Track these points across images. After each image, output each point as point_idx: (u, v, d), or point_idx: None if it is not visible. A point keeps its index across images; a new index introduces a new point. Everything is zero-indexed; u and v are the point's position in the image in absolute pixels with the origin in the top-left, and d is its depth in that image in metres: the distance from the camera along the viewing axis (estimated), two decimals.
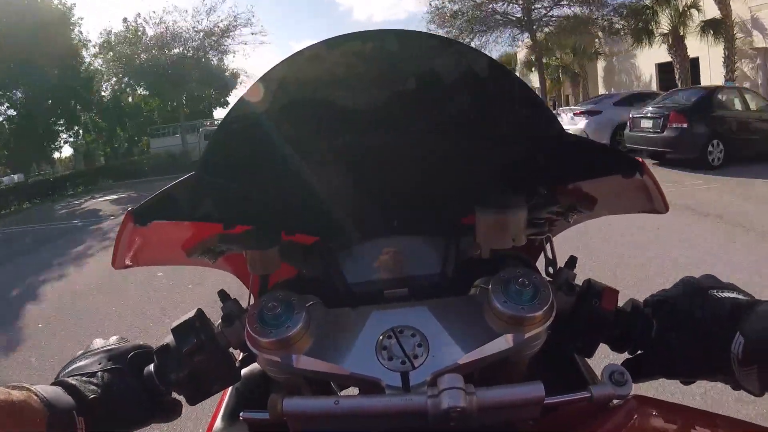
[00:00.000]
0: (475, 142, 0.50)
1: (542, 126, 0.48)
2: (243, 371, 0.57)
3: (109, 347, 0.51)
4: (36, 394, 0.40)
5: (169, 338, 0.50)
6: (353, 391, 0.51)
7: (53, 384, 0.45)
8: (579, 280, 0.54)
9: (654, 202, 0.50)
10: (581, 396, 0.42)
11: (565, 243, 0.65)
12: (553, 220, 0.59)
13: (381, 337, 0.44)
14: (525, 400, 0.39)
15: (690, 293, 0.48)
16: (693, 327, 0.46)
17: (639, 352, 0.51)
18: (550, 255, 0.58)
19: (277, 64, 0.45)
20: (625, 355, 0.53)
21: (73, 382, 0.45)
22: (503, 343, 0.42)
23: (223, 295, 0.55)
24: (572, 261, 0.55)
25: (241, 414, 0.44)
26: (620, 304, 0.51)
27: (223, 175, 0.50)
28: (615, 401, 0.43)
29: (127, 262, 0.53)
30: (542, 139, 0.49)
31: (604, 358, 0.56)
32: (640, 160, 0.46)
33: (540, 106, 0.48)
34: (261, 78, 0.46)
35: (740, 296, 0.46)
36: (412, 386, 0.41)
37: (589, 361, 0.62)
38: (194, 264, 0.64)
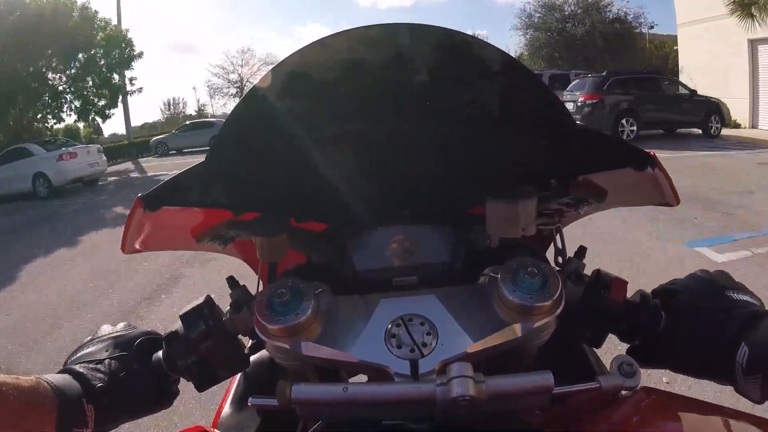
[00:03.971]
0: (487, 133, 0.50)
1: (554, 117, 0.48)
2: (251, 358, 0.57)
3: (117, 334, 0.51)
4: (46, 382, 0.41)
5: (178, 325, 0.50)
6: (362, 379, 0.51)
7: (61, 372, 0.45)
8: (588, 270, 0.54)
9: (665, 195, 0.50)
10: (590, 386, 0.42)
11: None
12: (563, 211, 0.59)
13: (390, 325, 0.44)
14: (534, 390, 0.39)
15: (704, 289, 0.48)
16: (701, 327, 0.45)
17: (644, 342, 0.51)
18: (559, 245, 0.58)
19: (291, 54, 0.45)
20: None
21: (81, 370, 0.45)
22: (512, 332, 0.42)
23: (231, 281, 0.54)
24: (581, 251, 0.55)
25: (249, 400, 0.44)
26: (629, 294, 0.51)
27: (233, 162, 0.50)
28: (623, 392, 0.43)
29: (137, 246, 0.53)
30: (554, 131, 0.49)
31: (612, 348, 0.56)
32: (652, 153, 0.45)
33: (552, 98, 0.48)
34: (274, 66, 0.46)
35: (750, 300, 0.46)
36: (420, 374, 0.41)
37: (597, 350, 0.61)
38: (203, 249, 0.64)
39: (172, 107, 45.43)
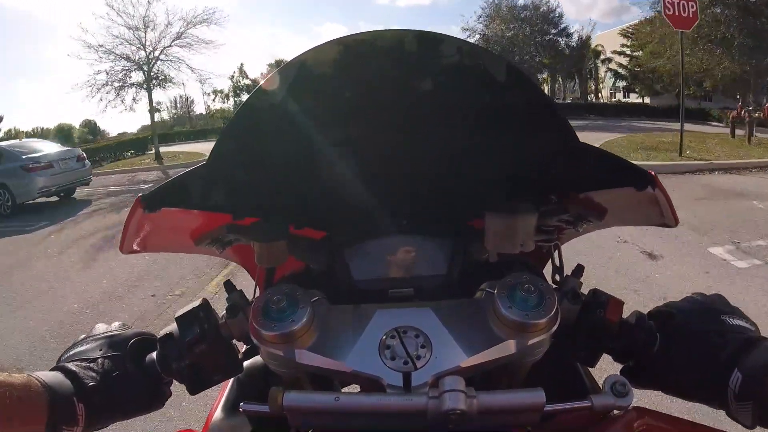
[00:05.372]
0: (488, 146, 0.50)
1: (556, 133, 0.48)
2: (245, 363, 0.57)
3: (111, 333, 0.51)
4: (37, 379, 0.41)
5: (173, 327, 0.50)
6: (355, 389, 0.51)
7: (53, 369, 0.45)
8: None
9: (664, 216, 0.50)
10: (582, 405, 0.42)
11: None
12: (562, 228, 0.59)
13: (384, 337, 0.44)
14: (525, 406, 0.39)
15: (699, 313, 0.48)
16: (696, 350, 0.45)
17: (638, 362, 0.51)
18: (557, 262, 0.58)
19: (293, 59, 0.45)
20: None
21: (73, 368, 0.45)
22: (506, 348, 0.42)
23: (228, 285, 0.55)
24: (579, 269, 0.55)
25: (241, 405, 0.44)
26: (625, 315, 0.51)
27: (235, 165, 0.50)
28: (615, 411, 0.43)
29: (135, 247, 0.53)
30: (555, 147, 0.49)
31: (607, 367, 0.56)
32: (653, 174, 0.45)
33: (555, 113, 0.48)
34: (277, 71, 0.46)
35: (745, 325, 0.46)
36: (413, 387, 0.41)
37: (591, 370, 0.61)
38: (202, 252, 0.64)
39: (179, 107, 45.23)
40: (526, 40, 26.34)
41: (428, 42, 0.45)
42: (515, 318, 0.42)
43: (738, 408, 0.42)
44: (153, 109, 16.10)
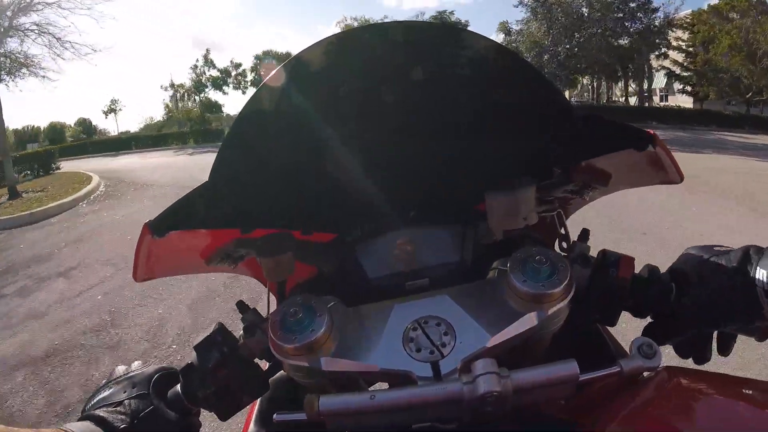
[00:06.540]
0: (486, 128, 0.51)
1: (552, 106, 0.48)
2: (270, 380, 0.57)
3: (132, 373, 0.51)
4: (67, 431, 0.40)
5: (193, 356, 0.50)
6: (383, 386, 0.51)
7: (81, 419, 0.45)
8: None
9: (668, 173, 0.50)
10: (612, 371, 0.42)
11: None
12: (568, 198, 0.59)
13: (406, 330, 0.44)
14: (560, 379, 0.39)
15: (701, 251, 0.49)
16: (712, 279, 0.46)
17: (659, 317, 0.51)
18: (562, 230, 0.58)
19: (283, 64, 0.46)
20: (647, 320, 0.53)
21: (102, 414, 0.45)
22: (527, 321, 0.43)
23: (241, 306, 0.54)
24: (585, 234, 0.55)
25: (274, 416, 0.43)
26: (637, 270, 0.51)
27: (237, 178, 0.50)
28: (645, 374, 0.43)
29: (148, 273, 0.53)
30: (553, 119, 0.49)
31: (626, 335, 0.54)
32: (652, 132, 0.46)
33: (549, 86, 0.48)
34: (269, 78, 0.46)
35: (747, 246, 0.47)
36: (443, 375, 0.41)
37: (611, 329, 0.61)
38: (214, 271, 0.64)
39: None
40: (604, 9, 20.44)
41: (414, 31, 0.45)
42: (531, 290, 0.42)
43: None
44: None
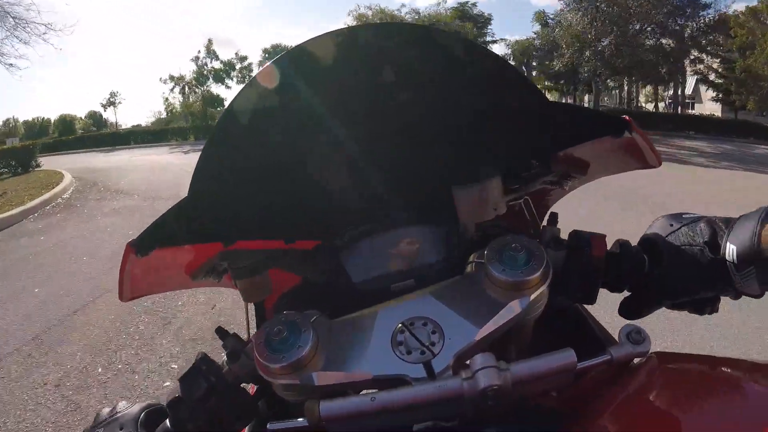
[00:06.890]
0: (460, 125, 0.51)
1: (525, 98, 0.50)
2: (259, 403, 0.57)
3: (118, 415, 0.50)
4: None
5: (177, 389, 0.49)
6: None
7: None
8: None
9: (647, 158, 0.52)
10: (603, 359, 0.42)
11: None
12: (548, 189, 0.61)
13: (394, 334, 0.44)
14: (558, 369, 0.39)
15: (669, 225, 0.50)
16: (684, 253, 0.47)
17: (635, 289, 0.53)
18: (530, 216, 0.61)
19: (267, 64, 0.47)
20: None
21: None
22: (511, 310, 0.43)
23: (221, 332, 0.54)
24: (553, 217, 0.57)
25: (268, 426, 0.43)
26: (608, 247, 0.53)
27: (216, 189, 0.50)
28: (636, 360, 0.44)
29: (134, 293, 0.53)
30: (526, 111, 0.50)
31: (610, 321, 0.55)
32: (627, 118, 0.47)
33: (521, 79, 0.49)
34: (247, 84, 0.47)
35: (707, 215, 0.49)
36: (437, 374, 0.41)
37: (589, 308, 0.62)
38: (200, 285, 0.63)
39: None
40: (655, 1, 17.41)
41: (383, 32, 0.47)
42: (511, 279, 0.43)
43: (742, 280, 0.43)
44: None
